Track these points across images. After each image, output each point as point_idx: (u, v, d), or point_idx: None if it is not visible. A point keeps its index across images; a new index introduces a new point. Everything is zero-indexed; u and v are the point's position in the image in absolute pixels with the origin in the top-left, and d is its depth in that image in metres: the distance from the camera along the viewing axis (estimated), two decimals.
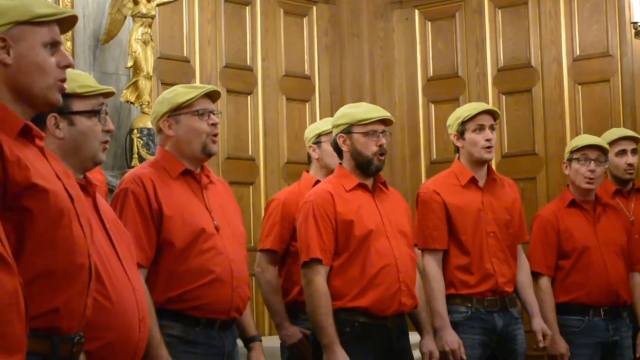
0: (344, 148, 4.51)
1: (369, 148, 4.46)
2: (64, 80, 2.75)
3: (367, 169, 4.49)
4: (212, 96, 3.99)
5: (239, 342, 4.04)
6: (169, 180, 3.87)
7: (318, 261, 4.35)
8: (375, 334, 4.37)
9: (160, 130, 3.98)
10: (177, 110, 3.92)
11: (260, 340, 4.11)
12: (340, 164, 4.57)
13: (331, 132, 4.99)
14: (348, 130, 4.49)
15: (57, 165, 2.79)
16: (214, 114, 3.94)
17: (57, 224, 2.62)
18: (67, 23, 2.80)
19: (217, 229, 3.85)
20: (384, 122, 4.52)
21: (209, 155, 3.94)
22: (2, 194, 2.54)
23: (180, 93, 3.94)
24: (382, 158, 4.49)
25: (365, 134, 4.47)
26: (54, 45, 2.73)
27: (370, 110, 4.55)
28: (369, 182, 4.52)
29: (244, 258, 3.94)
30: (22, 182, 2.57)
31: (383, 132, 4.49)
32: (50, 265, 2.60)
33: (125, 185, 3.84)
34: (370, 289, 4.35)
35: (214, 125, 3.93)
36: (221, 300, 3.79)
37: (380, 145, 4.47)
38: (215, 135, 3.94)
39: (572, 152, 5.37)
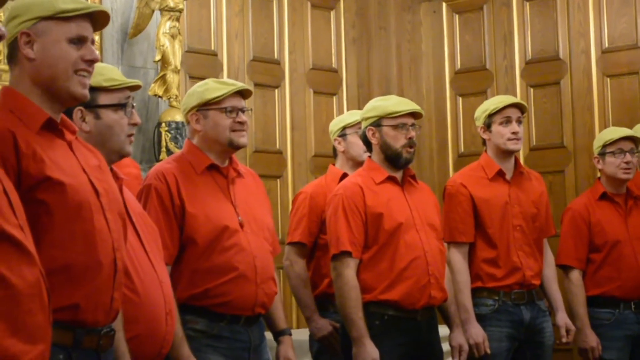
0: (374, 141, 4.51)
1: (398, 141, 4.46)
2: (87, 73, 2.76)
3: (396, 162, 4.48)
4: (244, 94, 3.98)
5: (269, 335, 4.04)
6: (193, 176, 3.86)
7: (348, 254, 4.35)
8: (405, 327, 4.37)
9: (189, 123, 3.99)
10: (205, 106, 3.91)
11: (290, 334, 4.11)
12: (370, 157, 4.57)
13: (356, 124, 5.00)
14: (377, 123, 4.49)
15: (89, 158, 2.79)
16: (243, 112, 3.93)
17: (76, 218, 2.63)
18: (100, 20, 2.81)
19: (241, 225, 3.84)
20: (414, 115, 4.52)
21: (236, 147, 3.93)
22: (17, 187, 2.55)
23: (210, 88, 3.93)
24: (412, 150, 4.49)
25: (395, 126, 4.46)
26: (81, 40, 2.74)
27: (399, 103, 4.55)
28: (399, 175, 4.52)
29: (269, 253, 3.93)
30: (36, 175, 2.60)
31: (412, 125, 4.49)
32: (69, 259, 2.62)
33: (148, 181, 3.84)
34: (399, 282, 4.35)
35: (241, 123, 3.90)
36: (245, 297, 3.79)
37: (410, 138, 4.46)
38: (242, 130, 3.91)
39: (604, 146, 5.33)
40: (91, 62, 2.76)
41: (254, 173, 4.19)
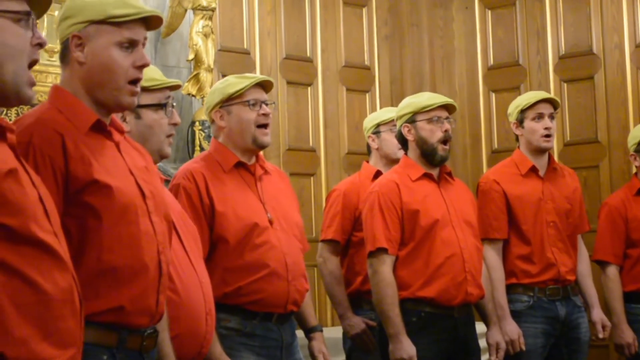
0: (409, 137, 4.50)
1: (434, 134, 4.46)
2: (137, 80, 2.75)
3: (432, 158, 4.47)
4: (265, 86, 3.96)
5: (300, 333, 4.05)
6: (221, 174, 3.85)
7: (384, 251, 4.35)
8: (442, 324, 4.36)
9: (213, 121, 3.98)
10: (228, 101, 3.90)
11: (321, 331, 4.11)
12: (406, 154, 4.56)
13: (390, 121, 5.00)
14: (412, 119, 4.49)
15: (137, 159, 2.79)
16: (266, 105, 3.92)
17: (123, 220, 2.63)
18: (153, 22, 2.81)
19: (270, 222, 3.83)
20: (447, 108, 4.51)
21: (260, 146, 3.92)
22: (64, 190, 2.57)
23: (231, 83, 3.92)
24: (447, 148, 4.48)
25: (429, 120, 4.47)
26: (132, 44, 2.74)
27: (432, 97, 4.56)
28: (435, 172, 4.51)
29: (299, 250, 3.92)
30: (83, 178, 2.60)
31: (447, 118, 4.49)
32: (115, 262, 2.61)
33: (177, 180, 3.84)
34: (436, 278, 4.34)
35: (265, 115, 3.89)
36: (277, 294, 3.78)
37: (446, 131, 4.46)
38: (266, 125, 3.90)
39: (639, 143, 5.28)
40: (142, 67, 2.76)
41: (280, 170, 4.20)
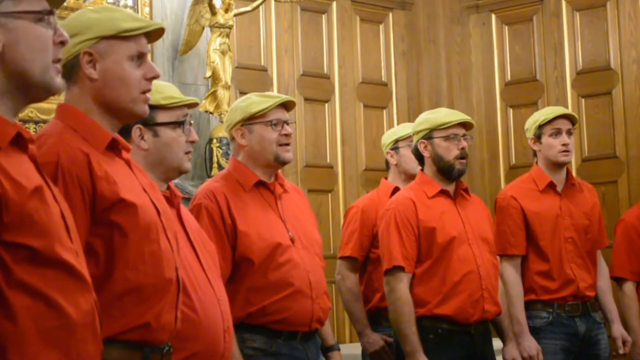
0: (425, 154, 4.49)
1: (451, 152, 4.44)
2: (147, 91, 2.76)
3: (449, 174, 4.46)
4: (287, 106, 3.95)
5: None
6: (242, 194, 3.84)
7: (400, 269, 4.34)
8: (459, 341, 4.35)
9: (233, 139, 3.96)
10: (250, 120, 3.88)
11: (339, 350, 4.11)
12: (422, 170, 4.55)
13: (409, 137, 4.99)
14: (429, 135, 4.48)
15: (143, 177, 2.79)
16: (287, 124, 3.91)
17: (146, 239, 2.63)
18: (155, 34, 2.81)
19: (292, 240, 3.83)
20: (465, 125, 4.50)
21: (282, 163, 3.91)
22: (91, 209, 2.56)
23: (254, 102, 3.90)
24: (464, 162, 4.47)
25: (446, 137, 4.45)
26: (140, 57, 2.75)
27: (450, 114, 4.54)
28: (451, 188, 4.50)
29: (321, 268, 3.91)
30: (110, 197, 2.59)
31: (464, 135, 4.47)
32: (140, 280, 2.61)
33: (198, 200, 3.82)
34: (453, 296, 4.33)
35: (286, 135, 3.88)
36: (302, 313, 3.78)
37: (462, 149, 4.45)
38: (288, 144, 3.89)
39: None
40: (152, 79, 2.76)
41: (298, 188, 4.19)
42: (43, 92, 2.17)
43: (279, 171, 3.99)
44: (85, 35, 2.71)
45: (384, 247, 4.41)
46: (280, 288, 3.74)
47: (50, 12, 2.18)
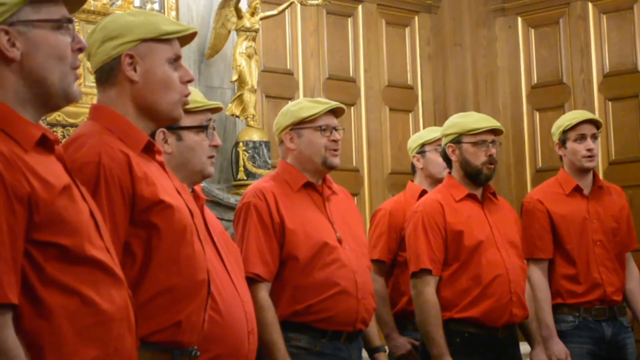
0: (453, 158, 4.49)
1: (479, 158, 4.44)
2: (187, 94, 2.78)
3: (476, 179, 4.46)
4: (337, 112, 4.00)
5: (363, 353, 4.07)
6: (290, 194, 3.89)
7: (428, 271, 4.34)
8: (486, 344, 4.34)
9: (281, 142, 4.01)
10: (300, 124, 3.94)
11: (385, 351, 4.15)
12: (450, 173, 4.56)
13: (435, 141, 4.99)
14: (457, 140, 4.48)
15: (174, 180, 2.82)
16: (336, 130, 3.95)
17: (181, 240, 2.64)
18: (186, 38, 2.83)
19: (339, 241, 3.87)
20: (494, 131, 4.50)
21: (330, 168, 3.95)
22: (130, 210, 2.58)
23: (304, 107, 3.96)
24: (492, 167, 4.47)
25: (475, 143, 4.45)
26: (176, 60, 2.76)
27: (479, 120, 4.54)
28: (479, 192, 4.50)
29: (367, 269, 3.96)
30: (149, 197, 2.61)
31: (493, 142, 4.47)
32: (174, 281, 2.62)
33: (247, 199, 3.87)
34: (481, 299, 4.32)
35: (335, 141, 3.93)
36: (347, 313, 3.81)
37: (490, 155, 4.44)
38: (336, 149, 3.94)
39: None
40: (188, 82, 2.78)
41: (347, 192, 4.22)
42: (62, 100, 2.20)
43: (327, 175, 4.03)
44: (127, 37, 2.72)
45: (411, 250, 4.41)
46: (326, 287, 3.79)
47: (69, 20, 2.20)
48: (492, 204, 4.53)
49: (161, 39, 2.73)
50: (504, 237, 4.44)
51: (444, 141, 4.55)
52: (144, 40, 2.72)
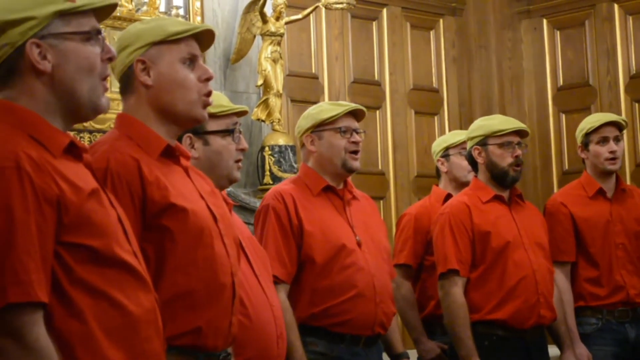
0: (479, 160, 4.49)
1: (505, 159, 4.44)
2: (208, 94, 2.78)
3: (503, 181, 4.46)
4: (357, 115, 4.01)
5: (385, 358, 4.07)
6: (310, 197, 3.90)
7: (455, 272, 4.34)
8: (514, 347, 4.32)
9: (303, 146, 4.02)
10: (320, 126, 3.95)
11: (408, 357, 4.13)
12: (476, 176, 4.55)
13: (459, 144, 4.99)
14: (483, 142, 4.48)
15: (203, 184, 2.82)
16: (357, 133, 3.96)
17: (198, 243, 2.65)
18: (206, 40, 2.84)
19: (359, 244, 3.86)
20: (520, 133, 4.49)
21: (349, 171, 3.95)
22: (141, 214, 2.59)
23: (324, 109, 3.97)
24: (518, 169, 4.46)
25: (501, 145, 4.45)
26: (193, 60, 2.77)
27: (505, 122, 4.54)
28: (505, 194, 4.49)
29: (387, 274, 3.95)
30: (160, 201, 2.62)
31: (519, 143, 4.47)
32: (192, 284, 2.63)
33: (267, 201, 3.89)
34: (508, 301, 4.31)
35: (355, 143, 3.93)
36: (365, 316, 3.80)
37: (516, 157, 4.44)
38: (356, 152, 3.94)
39: None
40: (207, 81, 2.79)
41: (368, 197, 4.22)
42: (90, 111, 2.23)
43: (349, 179, 4.03)
44: (136, 44, 2.75)
45: (439, 251, 4.41)
46: (343, 290, 3.78)
47: (98, 32, 2.23)
48: (519, 206, 4.53)
49: (171, 41, 2.75)
50: (532, 238, 4.43)
51: (469, 144, 4.55)
52: (154, 44, 2.75)
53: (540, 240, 4.48)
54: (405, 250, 5.03)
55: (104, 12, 2.29)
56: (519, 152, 4.45)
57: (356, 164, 3.96)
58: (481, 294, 4.34)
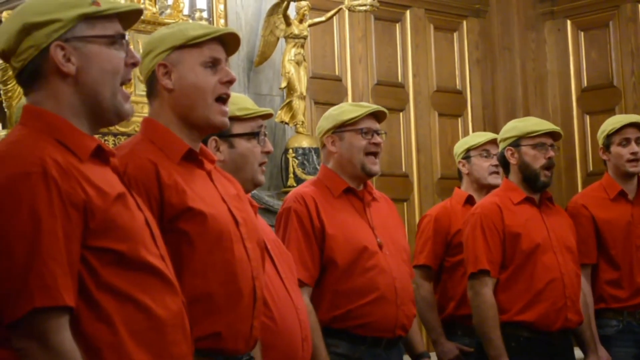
0: (512, 161, 4.49)
1: (538, 160, 4.44)
2: (225, 96, 2.80)
3: (534, 184, 4.46)
4: (379, 116, 4.01)
5: (406, 359, 4.08)
6: (331, 199, 3.90)
7: (486, 273, 4.34)
8: (540, 349, 4.32)
9: (324, 146, 4.03)
10: (341, 127, 3.96)
11: (429, 357, 4.14)
12: (507, 177, 4.55)
13: (480, 146, 5.00)
14: (516, 143, 4.49)
15: (229, 187, 2.83)
16: (378, 135, 3.96)
17: (216, 247, 2.66)
18: (231, 43, 2.86)
19: (380, 246, 3.87)
20: (552, 135, 4.49)
21: (368, 174, 3.96)
22: (159, 218, 2.60)
23: (345, 110, 3.98)
24: (549, 174, 4.46)
25: (534, 146, 4.45)
26: (215, 63, 2.79)
27: (539, 123, 4.56)
28: (536, 197, 4.49)
29: (408, 275, 3.96)
30: (177, 205, 2.64)
31: (551, 145, 4.47)
32: (210, 288, 2.64)
33: (288, 204, 3.89)
34: (536, 303, 4.31)
35: (375, 144, 3.94)
36: (386, 318, 3.81)
37: (549, 158, 4.44)
38: (376, 154, 3.95)
39: None
40: (228, 83, 2.80)
41: (388, 198, 4.22)
42: (113, 115, 2.25)
43: (369, 181, 4.04)
44: (158, 49, 2.79)
45: (469, 251, 4.41)
46: (365, 293, 3.79)
47: (122, 36, 2.25)
48: (549, 209, 4.53)
49: (192, 45, 2.77)
50: (561, 241, 4.43)
51: (502, 145, 4.55)
52: (176, 49, 2.78)
53: (569, 244, 4.47)
54: (425, 252, 5.04)
55: (129, 20, 2.32)
56: (551, 153, 4.46)
57: (375, 168, 3.96)
58: (509, 295, 4.34)
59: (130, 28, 2.37)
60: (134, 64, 2.29)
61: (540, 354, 4.32)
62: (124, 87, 2.27)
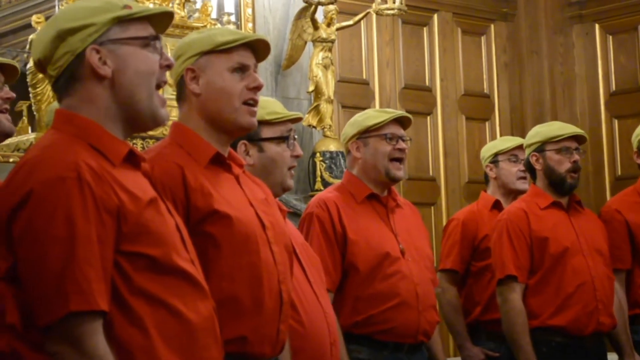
0: (537, 166, 4.48)
1: (563, 165, 4.43)
2: (253, 101, 2.81)
3: (560, 187, 4.44)
4: (403, 122, 4.01)
5: None
6: (354, 204, 3.90)
7: (514, 278, 4.32)
8: (573, 354, 4.30)
9: (349, 153, 4.03)
10: (366, 133, 3.95)
11: None
12: (534, 182, 4.54)
13: (508, 151, 4.99)
14: (541, 148, 4.47)
15: (257, 192, 2.84)
16: (403, 140, 3.96)
17: (242, 250, 2.67)
18: (261, 49, 2.87)
19: (402, 252, 3.86)
20: (577, 139, 4.48)
21: (393, 180, 3.95)
22: (186, 221, 2.60)
23: (370, 116, 3.98)
24: (576, 176, 4.45)
25: (558, 150, 4.44)
26: (243, 69, 2.81)
27: (562, 127, 4.55)
28: (564, 201, 4.48)
29: (430, 282, 3.94)
30: (203, 208, 2.65)
31: (576, 149, 4.45)
32: (236, 291, 2.65)
33: (310, 209, 3.90)
34: (566, 307, 4.29)
35: (400, 150, 3.94)
36: (408, 324, 3.80)
37: (574, 162, 4.43)
38: (401, 160, 3.94)
39: None
40: (255, 89, 2.82)
41: (412, 204, 4.21)
42: (149, 119, 2.26)
43: (393, 187, 4.04)
44: (187, 54, 2.81)
45: (497, 257, 4.40)
46: (386, 298, 3.78)
47: (156, 37, 2.26)
48: (577, 213, 4.51)
49: (221, 50, 2.79)
50: (591, 244, 4.41)
51: (527, 151, 4.54)
52: (204, 54, 2.80)
53: (600, 247, 4.45)
54: (452, 256, 5.03)
55: (161, 23, 2.33)
56: (576, 157, 4.44)
57: (400, 173, 3.95)
58: (539, 300, 4.32)
59: (164, 33, 2.38)
60: (168, 67, 2.30)
61: (572, 358, 4.30)
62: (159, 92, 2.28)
